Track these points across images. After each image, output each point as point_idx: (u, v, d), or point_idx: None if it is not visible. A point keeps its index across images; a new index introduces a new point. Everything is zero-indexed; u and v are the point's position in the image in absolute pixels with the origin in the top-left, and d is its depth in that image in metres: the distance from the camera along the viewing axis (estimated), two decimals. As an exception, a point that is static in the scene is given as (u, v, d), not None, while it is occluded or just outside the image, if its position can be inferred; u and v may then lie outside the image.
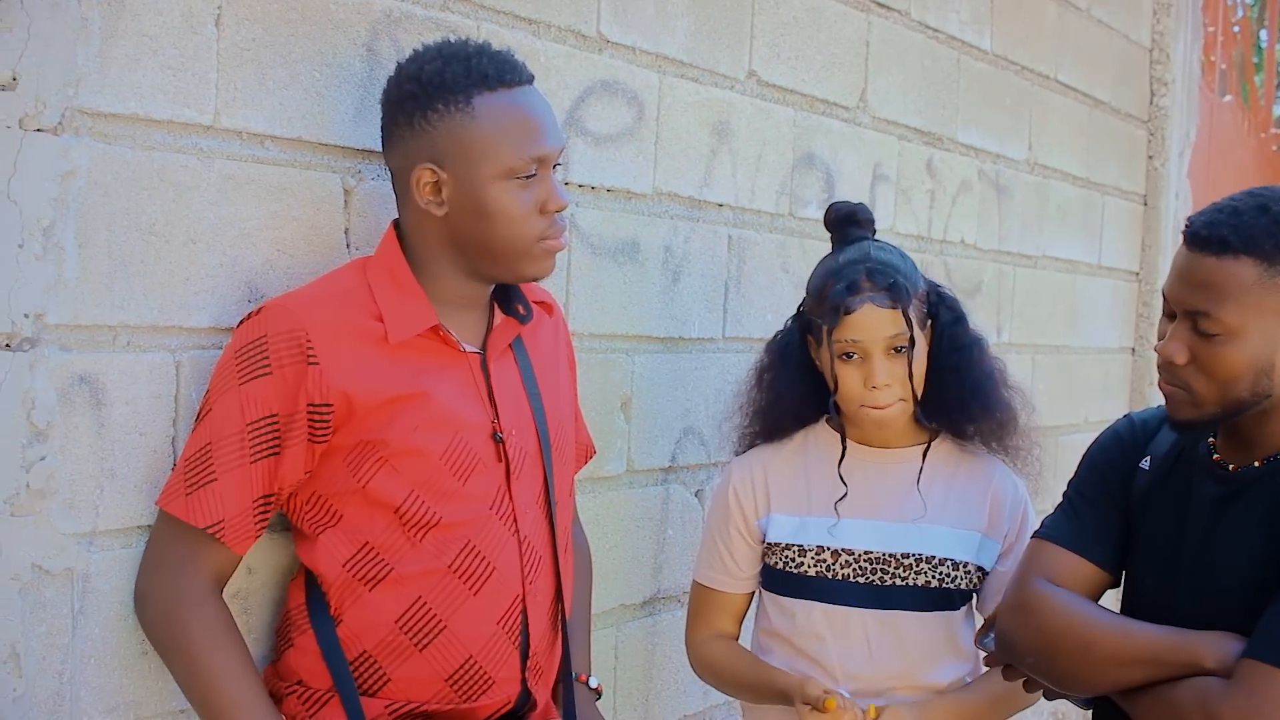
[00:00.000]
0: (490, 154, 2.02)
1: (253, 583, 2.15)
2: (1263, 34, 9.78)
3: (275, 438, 1.97)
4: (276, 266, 2.14)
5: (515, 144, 2.03)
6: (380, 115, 2.12)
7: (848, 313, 2.35)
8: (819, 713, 2.31)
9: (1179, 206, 5.60)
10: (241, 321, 2.02)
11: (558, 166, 2.11)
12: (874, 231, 2.52)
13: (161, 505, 1.98)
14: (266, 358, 1.96)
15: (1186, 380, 2.01)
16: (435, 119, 2.03)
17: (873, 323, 2.36)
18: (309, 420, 1.98)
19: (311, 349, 1.96)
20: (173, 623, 1.96)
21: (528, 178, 2.05)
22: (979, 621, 2.46)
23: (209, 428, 1.97)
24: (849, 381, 2.40)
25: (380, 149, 2.14)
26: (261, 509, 1.99)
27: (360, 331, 2.02)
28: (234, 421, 1.96)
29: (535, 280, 2.15)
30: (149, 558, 1.99)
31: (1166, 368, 2.04)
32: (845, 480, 2.46)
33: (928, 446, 2.49)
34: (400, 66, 2.10)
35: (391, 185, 2.15)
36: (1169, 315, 2.05)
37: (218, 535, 1.95)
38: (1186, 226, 2.02)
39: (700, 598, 2.61)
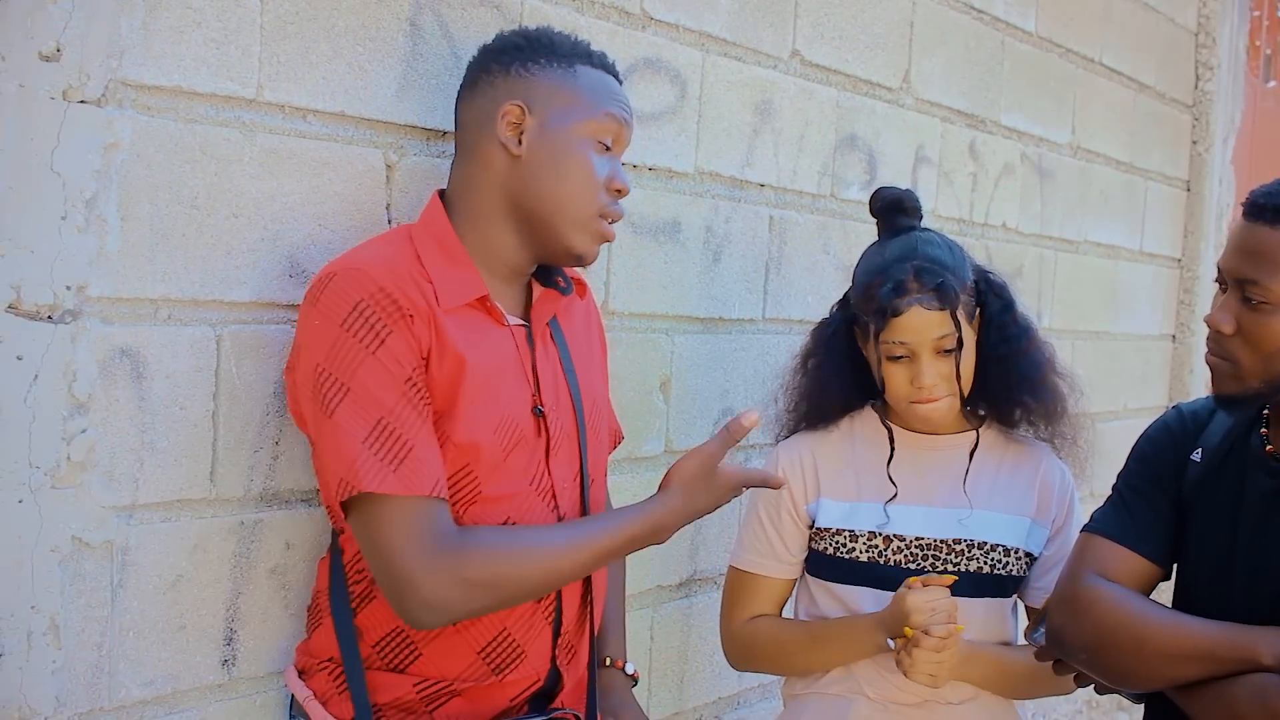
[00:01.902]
0: (582, 108, 2.07)
1: (291, 558, 2.15)
2: (1308, 19, 9.66)
3: (421, 390, 1.93)
4: (318, 241, 2.14)
5: (606, 106, 2.09)
6: (465, 72, 2.12)
7: (895, 315, 2.32)
8: (922, 641, 2.23)
9: (1222, 193, 5.54)
10: (316, 295, 1.93)
11: None
12: (920, 219, 2.47)
13: (372, 489, 1.86)
14: (379, 318, 1.90)
15: (1232, 351, 1.98)
16: (536, 69, 2.07)
17: (920, 325, 2.32)
18: (425, 370, 1.95)
19: (403, 303, 1.92)
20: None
21: (605, 146, 2.09)
22: (1024, 610, 2.44)
23: (367, 406, 1.88)
24: (896, 381, 2.37)
25: (423, 124, 2.11)
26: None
27: (419, 293, 1.99)
28: (391, 387, 1.90)
29: (579, 263, 2.13)
30: (385, 544, 1.88)
31: (1214, 338, 2.01)
32: (893, 473, 2.44)
33: (977, 434, 2.47)
34: (502, 33, 2.15)
35: (455, 138, 2.13)
36: (1223, 288, 2.03)
37: (444, 496, 1.91)
38: (1247, 198, 2.00)
39: (740, 584, 2.54)
